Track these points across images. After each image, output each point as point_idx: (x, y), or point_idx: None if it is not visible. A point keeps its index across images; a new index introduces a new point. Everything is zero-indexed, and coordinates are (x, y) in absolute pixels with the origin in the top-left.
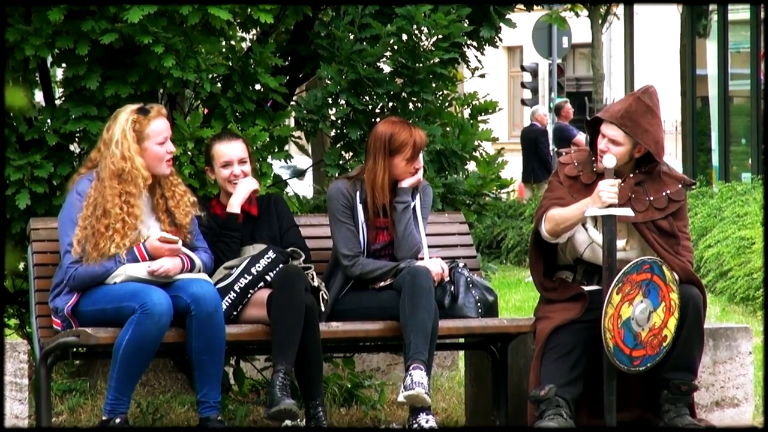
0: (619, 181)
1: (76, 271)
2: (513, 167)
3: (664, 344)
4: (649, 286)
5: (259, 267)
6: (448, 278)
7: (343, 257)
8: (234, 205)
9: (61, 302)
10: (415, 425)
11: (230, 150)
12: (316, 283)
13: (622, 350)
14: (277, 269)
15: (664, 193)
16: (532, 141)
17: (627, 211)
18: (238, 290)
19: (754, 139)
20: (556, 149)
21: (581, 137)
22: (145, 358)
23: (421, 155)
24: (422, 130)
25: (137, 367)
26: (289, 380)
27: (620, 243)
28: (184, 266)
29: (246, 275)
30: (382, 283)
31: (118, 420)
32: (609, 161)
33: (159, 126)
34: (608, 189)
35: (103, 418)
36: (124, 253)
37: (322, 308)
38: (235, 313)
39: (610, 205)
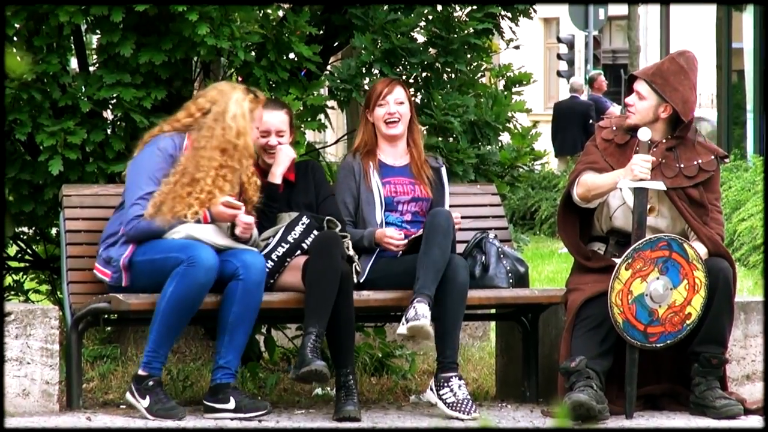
0: (653, 158)
1: (139, 223)
2: (547, 139)
3: (688, 322)
4: (666, 264)
5: (295, 234)
6: (459, 226)
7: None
8: (276, 175)
9: (116, 252)
10: (446, 388)
11: (270, 119)
12: (351, 253)
13: (635, 326)
14: (314, 235)
15: (695, 162)
16: (581, 113)
17: (659, 185)
18: (276, 258)
19: None
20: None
21: (615, 109)
22: (187, 313)
23: (400, 100)
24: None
25: (178, 322)
26: (320, 343)
27: None
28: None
29: (283, 244)
30: (393, 248)
31: (151, 383)
32: (644, 134)
33: (260, 113)
34: (641, 164)
35: (139, 372)
36: (193, 221)
37: (355, 279)
38: (272, 281)
39: (642, 179)
